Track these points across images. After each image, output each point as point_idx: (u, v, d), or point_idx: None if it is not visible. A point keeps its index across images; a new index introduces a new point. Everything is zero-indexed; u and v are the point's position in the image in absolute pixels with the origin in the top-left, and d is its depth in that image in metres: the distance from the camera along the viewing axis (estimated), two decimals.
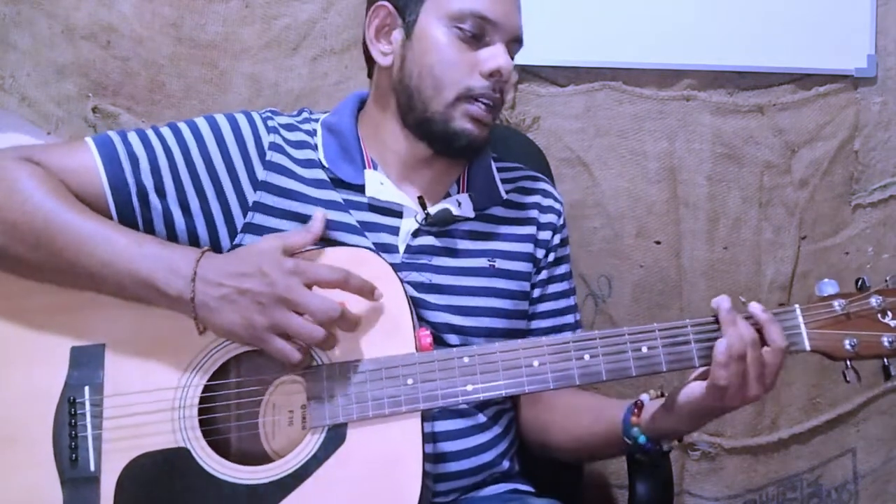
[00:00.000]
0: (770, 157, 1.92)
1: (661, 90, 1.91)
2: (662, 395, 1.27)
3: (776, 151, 1.92)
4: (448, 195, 1.41)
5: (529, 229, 1.45)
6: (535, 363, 1.20)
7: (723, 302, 1.19)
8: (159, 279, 1.17)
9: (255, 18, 1.82)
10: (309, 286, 1.16)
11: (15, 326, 1.22)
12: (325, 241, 1.27)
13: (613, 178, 1.92)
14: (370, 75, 1.43)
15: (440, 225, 1.37)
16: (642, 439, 1.26)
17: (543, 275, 1.46)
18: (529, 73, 1.89)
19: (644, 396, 1.28)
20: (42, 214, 1.19)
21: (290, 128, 1.38)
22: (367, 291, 1.19)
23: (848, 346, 1.20)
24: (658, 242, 1.92)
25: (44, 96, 1.78)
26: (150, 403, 1.17)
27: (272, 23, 1.83)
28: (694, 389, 1.20)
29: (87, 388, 1.19)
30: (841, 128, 1.92)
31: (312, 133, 1.39)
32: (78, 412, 1.18)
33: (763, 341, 1.18)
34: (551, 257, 1.46)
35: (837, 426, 1.99)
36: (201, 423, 1.18)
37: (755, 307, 1.19)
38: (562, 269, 1.49)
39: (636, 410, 1.27)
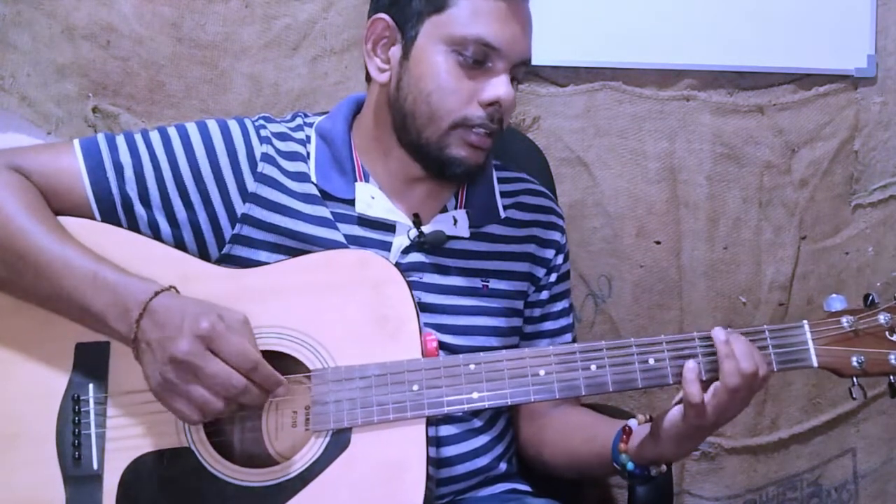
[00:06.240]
0: (770, 157, 1.92)
1: (661, 90, 1.90)
2: (651, 420, 1.24)
3: (776, 151, 1.92)
4: (445, 209, 1.38)
5: (528, 247, 1.42)
6: (542, 372, 1.19)
7: (718, 334, 1.17)
8: (110, 316, 1.14)
9: (255, 18, 1.81)
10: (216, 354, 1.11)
11: (19, 322, 1.21)
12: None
13: (613, 178, 1.91)
14: (368, 79, 1.37)
15: (433, 244, 1.33)
16: (630, 466, 1.25)
17: (544, 294, 1.44)
18: (529, 72, 1.87)
19: (632, 421, 1.26)
20: (9, 231, 1.17)
21: (282, 137, 1.34)
22: (273, 384, 1.14)
23: (855, 364, 1.20)
24: (658, 242, 1.92)
25: (44, 96, 1.77)
26: (154, 403, 1.16)
27: (272, 23, 1.82)
28: (675, 415, 1.18)
29: (91, 386, 1.19)
30: (841, 128, 1.92)
31: (305, 141, 1.35)
32: (82, 410, 1.18)
33: None
34: (553, 277, 1.45)
35: (837, 426, 1.99)
36: (205, 423, 1.17)
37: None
38: (563, 287, 1.48)
39: (624, 437, 1.26)
